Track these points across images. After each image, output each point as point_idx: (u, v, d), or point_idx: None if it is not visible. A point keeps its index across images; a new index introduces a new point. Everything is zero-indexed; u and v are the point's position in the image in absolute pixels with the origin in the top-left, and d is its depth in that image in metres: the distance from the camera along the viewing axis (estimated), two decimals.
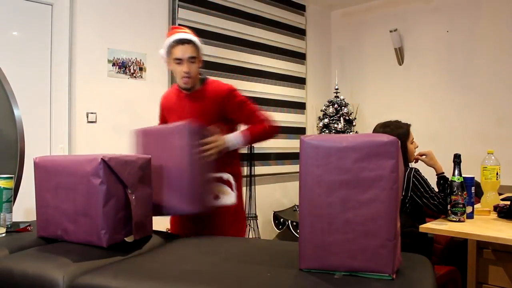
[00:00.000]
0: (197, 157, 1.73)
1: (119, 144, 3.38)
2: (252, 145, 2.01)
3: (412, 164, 2.40)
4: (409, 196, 2.25)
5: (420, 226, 1.99)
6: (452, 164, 2.06)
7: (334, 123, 4.52)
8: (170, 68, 2.10)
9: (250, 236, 3.99)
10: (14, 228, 1.57)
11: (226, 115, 2.06)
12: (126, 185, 1.38)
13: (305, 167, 1.09)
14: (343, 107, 4.55)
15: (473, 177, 2.16)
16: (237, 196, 2.07)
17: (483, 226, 1.92)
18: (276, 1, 4.61)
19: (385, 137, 1.05)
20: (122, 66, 3.44)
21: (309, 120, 4.99)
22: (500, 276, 1.87)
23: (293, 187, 4.71)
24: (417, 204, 2.26)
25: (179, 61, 2.01)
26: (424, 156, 2.36)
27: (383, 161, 1.03)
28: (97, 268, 1.17)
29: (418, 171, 2.27)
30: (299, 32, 4.90)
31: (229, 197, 2.04)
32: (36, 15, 3.03)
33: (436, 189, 2.29)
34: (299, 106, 4.86)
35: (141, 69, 3.55)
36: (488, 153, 2.25)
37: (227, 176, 2.05)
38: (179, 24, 3.79)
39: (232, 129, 2.08)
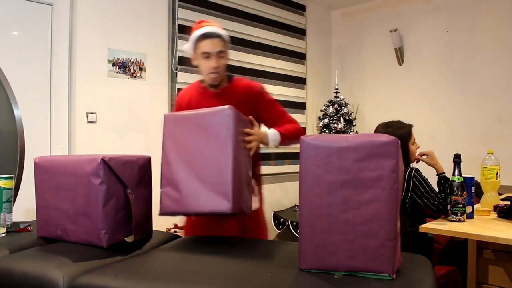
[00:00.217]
0: (242, 148, 1.53)
1: (119, 144, 3.38)
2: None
3: (413, 164, 2.40)
4: (409, 196, 2.25)
5: (420, 226, 1.99)
6: (452, 164, 2.06)
7: (334, 123, 4.52)
8: (196, 63, 1.98)
9: None
10: (14, 228, 1.57)
11: (254, 114, 1.94)
12: (126, 185, 1.38)
13: (305, 167, 1.09)
14: (343, 107, 4.55)
15: (473, 177, 2.16)
16: (259, 200, 1.99)
17: (483, 226, 1.92)
18: (276, 1, 4.61)
19: (385, 137, 1.05)
20: (122, 66, 3.44)
21: (309, 120, 4.99)
22: (500, 276, 1.87)
23: (293, 187, 4.71)
24: (417, 204, 2.26)
25: (207, 55, 1.89)
26: (424, 156, 2.36)
27: (383, 161, 1.03)
28: (97, 268, 1.16)
29: (419, 171, 2.27)
30: (299, 32, 4.90)
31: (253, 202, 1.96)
32: (36, 15, 3.03)
33: (437, 189, 2.29)
34: (299, 106, 4.86)
35: (141, 69, 3.55)
36: (488, 153, 2.25)
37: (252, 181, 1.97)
38: (179, 25, 3.79)
39: None
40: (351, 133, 4.51)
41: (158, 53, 3.67)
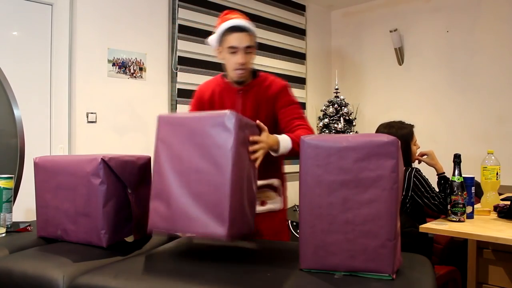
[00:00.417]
0: (246, 160, 1.30)
1: (119, 144, 3.38)
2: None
3: (413, 164, 2.40)
4: (410, 196, 2.25)
5: (420, 226, 1.99)
6: (452, 164, 2.06)
7: (334, 123, 4.52)
8: (220, 57, 1.87)
9: None
10: (14, 228, 1.57)
11: (275, 114, 1.86)
12: (126, 185, 1.38)
13: (305, 167, 1.09)
14: (343, 107, 4.55)
15: (473, 177, 2.16)
16: (282, 201, 1.94)
17: (483, 226, 1.91)
18: (276, 1, 4.60)
19: (385, 137, 1.05)
20: (122, 66, 3.44)
21: (309, 120, 4.97)
22: (500, 276, 1.87)
23: (293, 187, 4.70)
24: (417, 204, 2.26)
25: (234, 50, 1.78)
26: (425, 156, 2.36)
27: (383, 161, 1.03)
28: (97, 268, 1.16)
29: (419, 171, 2.27)
30: (299, 32, 4.90)
31: (275, 203, 1.90)
32: (36, 15, 3.03)
33: (437, 189, 2.29)
34: None
35: (141, 69, 3.55)
36: (488, 153, 2.25)
37: (277, 183, 1.89)
38: (179, 25, 3.79)
39: (274, 131, 1.85)
40: (351, 133, 4.51)
41: (158, 53, 3.67)
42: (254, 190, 1.38)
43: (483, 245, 1.92)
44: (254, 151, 1.37)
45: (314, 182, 1.07)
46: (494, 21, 4.11)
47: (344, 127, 4.50)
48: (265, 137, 1.48)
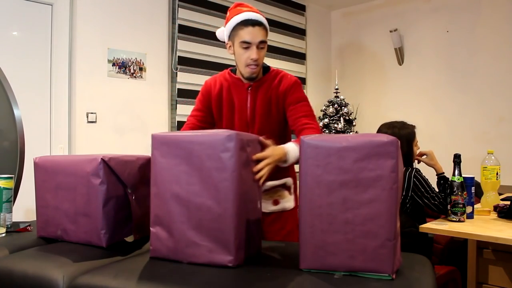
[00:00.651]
0: (249, 180, 1.23)
1: (119, 144, 3.38)
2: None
3: (413, 164, 2.40)
4: (410, 196, 2.25)
5: (420, 226, 1.99)
6: (452, 164, 2.06)
7: (334, 123, 4.52)
8: (231, 52, 1.78)
9: None
10: (14, 228, 1.57)
11: (285, 110, 1.78)
12: (126, 185, 1.38)
13: (305, 167, 1.09)
14: (343, 107, 4.55)
15: (473, 177, 2.16)
16: (294, 199, 1.91)
17: (483, 226, 1.91)
18: (276, 1, 4.61)
19: (384, 137, 1.05)
20: (122, 66, 3.44)
21: None
22: (500, 276, 1.87)
23: None
24: (417, 204, 2.26)
25: (247, 45, 1.69)
26: (424, 156, 2.36)
27: (383, 161, 1.03)
28: (97, 268, 1.16)
29: (419, 171, 2.28)
30: (299, 32, 4.90)
31: (288, 202, 1.87)
32: (36, 15, 3.03)
33: (437, 189, 2.29)
34: None
35: (141, 69, 3.55)
36: (488, 153, 2.25)
37: (290, 182, 1.85)
38: (179, 25, 3.79)
39: (285, 131, 1.86)
40: (351, 133, 4.51)
41: (158, 53, 3.67)
42: (259, 208, 1.33)
43: (483, 245, 1.92)
44: (259, 170, 1.29)
45: (313, 182, 1.07)
46: (494, 21, 4.11)
47: (344, 127, 4.50)
48: (271, 152, 1.39)
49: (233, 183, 1.12)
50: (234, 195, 1.12)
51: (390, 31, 4.63)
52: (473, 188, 2.12)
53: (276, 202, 1.86)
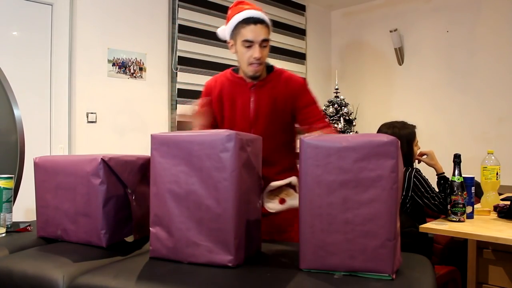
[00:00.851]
0: (247, 181, 1.21)
1: (119, 144, 3.39)
2: None
3: (413, 164, 2.40)
4: (410, 196, 2.25)
5: (420, 226, 1.99)
6: (452, 164, 2.06)
7: (334, 123, 4.52)
8: (233, 51, 1.76)
9: None
10: (14, 228, 1.57)
11: (293, 112, 1.77)
12: (126, 185, 1.38)
13: (305, 167, 1.09)
14: (343, 107, 4.55)
15: (473, 177, 2.16)
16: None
17: (483, 226, 1.91)
18: (276, 1, 4.61)
19: (384, 137, 1.05)
20: (122, 66, 3.44)
21: None
22: (500, 276, 1.87)
23: None
24: (417, 204, 2.26)
25: (249, 44, 1.68)
26: (424, 156, 2.36)
27: (383, 161, 1.03)
28: (97, 268, 1.16)
29: (419, 171, 2.28)
30: (299, 32, 4.90)
31: (295, 199, 1.88)
32: (36, 15, 3.03)
33: (437, 189, 2.29)
34: None
35: (141, 69, 3.55)
36: (488, 153, 2.25)
37: (295, 181, 1.90)
38: (179, 25, 3.79)
39: (292, 132, 1.84)
40: (351, 133, 4.51)
41: (158, 53, 3.67)
42: (259, 208, 1.34)
43: (483, 245, 1.92)
44: (258, 170, 1.29)
45: (313, 182, 1.07)
46: (494, 21, 4.11)
47: (344, 127, 4.50)
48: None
49: (233, 183, 1.12)
50: (234, 195, 1.12)
51: (390, 31, 4.63)
52: (473, 188, 2.12)
53: (282, 201, 1.86)
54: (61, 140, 3.12)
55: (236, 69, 1.84)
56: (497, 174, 2.22)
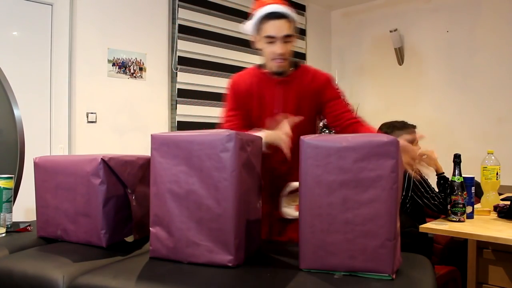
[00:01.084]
0: (248, 180, 1.22)
1: (119, 144, 3.39)
2: None
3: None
4: (410, 196, 2.25)
5: (420, 226, 1.99)
6: (452, 164, 2.06)
7: None
8: (258, 47, 1.74)
9: None
10: (14, 228, 1.57)
11: (318, 107, 1.76)
12: (126, 185, 1.38)
13: (305, 167, 1.09)
14: None
15: (473, 177, 2.16)
16: None
17: (483, 226, 1.91)
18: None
19: (384, 137, 1.05)
20: (122, 66, 3.44)
21: None
22: (500, 276, 1.87)
23: None
24: (417, 204, 2.26)
25: (271, 39, 1.65)
26: (424, 156, 2.36)
27: (383, 161, 1.03)
28: (97, 268, 1.16)
29: (419, 171, 2.27)
30: (299, 32, 4.89)
31: None
32: (36, 15, 3.03)
33: (437, 189, 2.29)
34: None
35: (141, 69, 3.55)
36: (488, 153, 2.25)
37: None
38: (179, 25, 3.79)
39: (314, 128, 1.81)
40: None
41: (158, 53, 3.67)
42: (259, 208, 1.33)
43: (483, 245, 1.92)
44: (258, 170, 1.28)
45: (313, 182, 1.07)
46: (494, 21, 4.11)
47: None
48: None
49: (233, 183, 1.12)
50: (234, 195, 1.12)
51: (390, 31, 4.63)
52: (473, 188, 2.12)
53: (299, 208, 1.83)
54: (61, 140, 3.12)
55: (262, 65, 1.81)
56: (497, 174, 2.22)
